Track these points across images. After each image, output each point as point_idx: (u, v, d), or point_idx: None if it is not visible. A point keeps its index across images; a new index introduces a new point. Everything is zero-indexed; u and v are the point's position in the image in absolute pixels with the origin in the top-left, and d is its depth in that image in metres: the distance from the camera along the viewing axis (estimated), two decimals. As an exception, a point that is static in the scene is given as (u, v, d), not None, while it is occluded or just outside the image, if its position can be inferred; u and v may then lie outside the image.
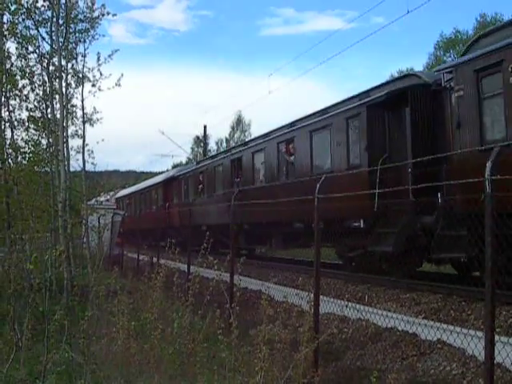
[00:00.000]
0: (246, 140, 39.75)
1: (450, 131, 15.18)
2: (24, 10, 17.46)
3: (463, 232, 12.91)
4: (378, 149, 17.35)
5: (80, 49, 19.23)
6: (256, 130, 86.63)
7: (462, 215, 13.11)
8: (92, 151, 19.40)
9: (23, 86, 18.41)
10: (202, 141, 76.47)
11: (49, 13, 17.75)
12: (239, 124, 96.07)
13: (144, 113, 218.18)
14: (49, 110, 18.20)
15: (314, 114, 23.08)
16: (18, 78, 18.41)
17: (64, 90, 18.03)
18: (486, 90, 13.58)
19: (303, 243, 22.78)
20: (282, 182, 23.63)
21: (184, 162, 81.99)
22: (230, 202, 14.98)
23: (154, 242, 26.06)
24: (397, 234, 15.98)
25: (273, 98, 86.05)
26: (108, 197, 41.02)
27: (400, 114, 17.34)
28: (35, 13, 17.71)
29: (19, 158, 18.44)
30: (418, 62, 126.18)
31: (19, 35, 17.87)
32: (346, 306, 10.41)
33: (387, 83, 19.55)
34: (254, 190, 26.43)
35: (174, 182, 41.59)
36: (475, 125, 13.75)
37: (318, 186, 9.05)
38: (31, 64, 18.63)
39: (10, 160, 18.26)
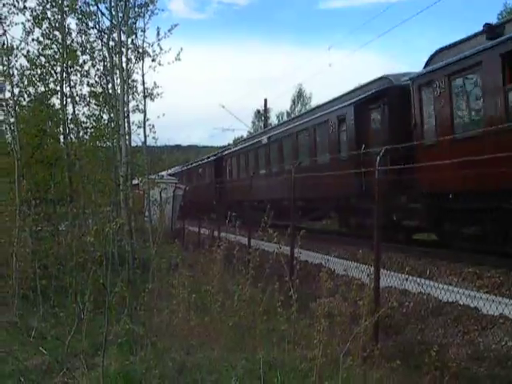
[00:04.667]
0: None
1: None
2: (83, -15, 17.55)
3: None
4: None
5: (140, 24, 18.90)
6: (317, 103, 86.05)
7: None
8: (153, 126, 19.23)
9: (84, 62, 18.48)
10: (262, 114, 76.41)
11: (108, -12, 17.74)
12: (300, 97, 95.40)
13: (204, 87, 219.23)
14: (109, 85, 18.21)
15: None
16: (79, 53, 18.48)
17: (124, 65, 18.01)
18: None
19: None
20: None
21: (245, 135, 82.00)
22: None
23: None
24: None
25: (333, 70, 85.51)
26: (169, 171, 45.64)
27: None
28: (94, -12, 17.78)
29: (81, 133, 18.63)
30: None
31: (79, 11, 17.95)
32: (407, 280, 10.24)
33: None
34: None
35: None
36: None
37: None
38: (91, 40, 18.66)
39: (72, 135, 18.46)
